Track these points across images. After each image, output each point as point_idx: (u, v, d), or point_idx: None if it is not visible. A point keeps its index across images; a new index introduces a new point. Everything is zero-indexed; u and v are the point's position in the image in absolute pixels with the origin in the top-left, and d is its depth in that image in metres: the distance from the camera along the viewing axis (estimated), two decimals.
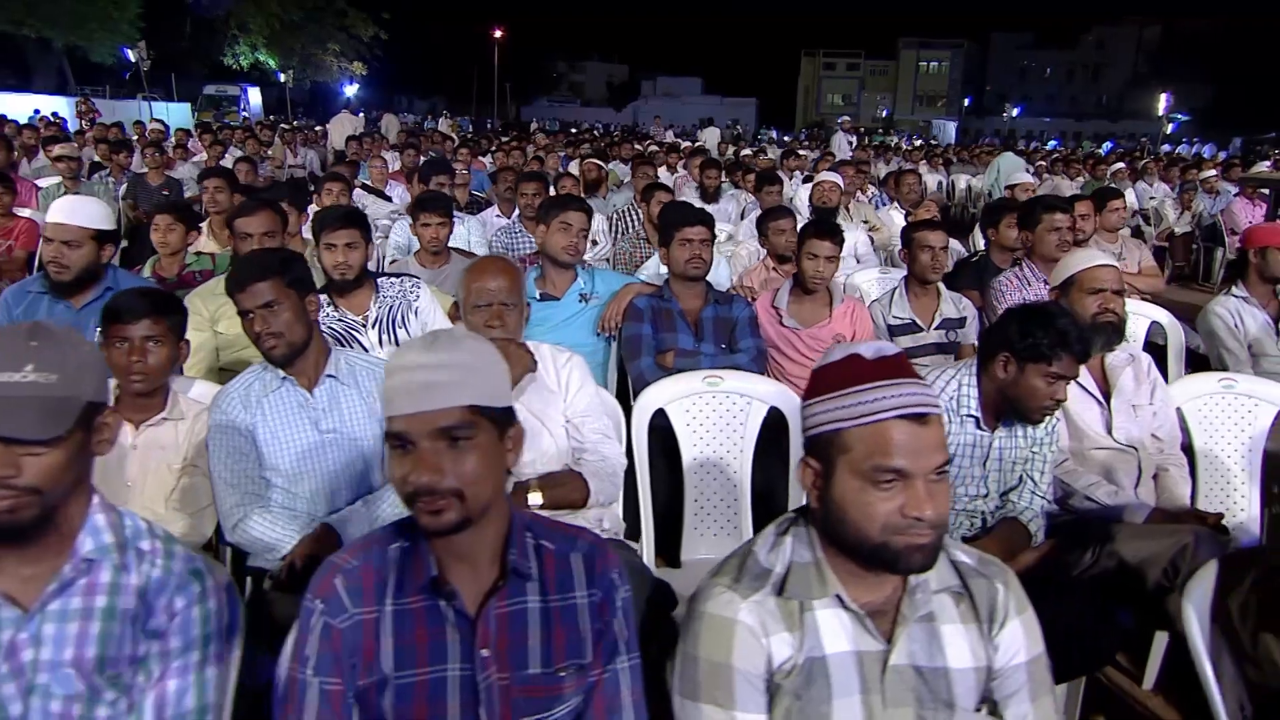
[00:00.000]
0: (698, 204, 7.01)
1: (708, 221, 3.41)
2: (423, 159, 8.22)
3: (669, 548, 2.68)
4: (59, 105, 23.04)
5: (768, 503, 2.66)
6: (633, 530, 2.58)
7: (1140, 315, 4.13)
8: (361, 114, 31.77)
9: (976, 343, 3.79)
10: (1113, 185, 11.36)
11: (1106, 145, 33.40)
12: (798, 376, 3.43)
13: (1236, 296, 3.85)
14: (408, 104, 56.75)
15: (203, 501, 2.25)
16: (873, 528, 1.22)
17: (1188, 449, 2.82)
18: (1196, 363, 4.11)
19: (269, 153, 11.49)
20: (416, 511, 1.22)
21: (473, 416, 1.21)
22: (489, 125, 37.28)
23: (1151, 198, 11.54)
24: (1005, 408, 2.28)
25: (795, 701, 1.26)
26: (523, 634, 1.29)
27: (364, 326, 3.14)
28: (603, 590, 1.33)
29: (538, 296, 3.42)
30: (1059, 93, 73.73)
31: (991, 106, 69.00)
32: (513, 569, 1.28)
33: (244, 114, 30.31)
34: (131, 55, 22.90)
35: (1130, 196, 11.48)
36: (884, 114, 66.69)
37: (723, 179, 7.65)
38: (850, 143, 17.30)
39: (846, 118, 22.54)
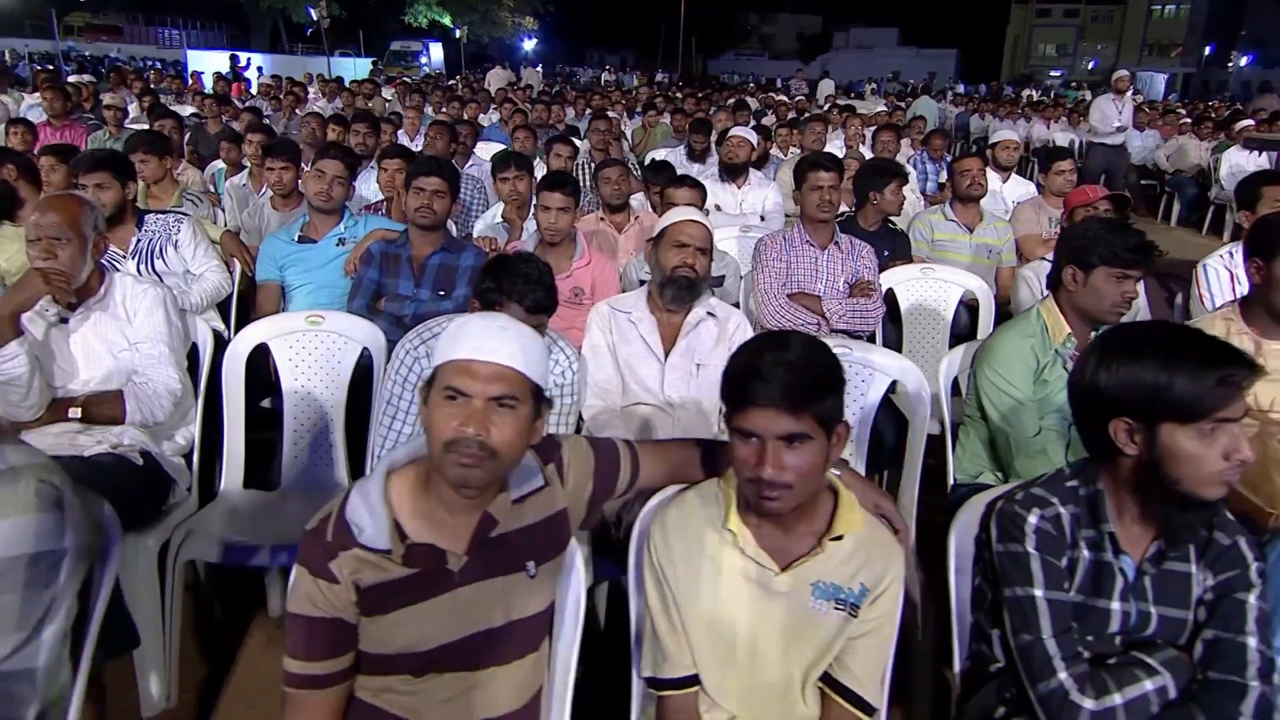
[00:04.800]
0: (682, 165, 7.03)
1: (444, 174, 3.53)
2: None
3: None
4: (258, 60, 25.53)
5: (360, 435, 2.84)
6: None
7: (953, 283, 3.89)
8: (539, 67, 33.08)
9: (740, 300, 3.74)
10: (1236, 146, 10.24)
11: None
12: None
13: (1049, 261, 3.55)
14: (598, 58, 57.85)
15: None
16: None
17: None
18: None
19: (369, 104, 12.32)
20: None
21: None
22: (666, 79, 37.41)
23: None
24: None
25: None
26: None
27: (125, 258, 3.54)
28: None
29: (295, 239, 3.71)
30: None
31: (1244, 54, 60.44)
32: None
33: (425, 68, 32.20)
34: (314, 14, 24.86)
35: (1265, 161, 10.17)
36: (1090, 66, 60.51)
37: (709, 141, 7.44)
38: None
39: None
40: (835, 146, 8.02)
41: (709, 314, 2.68)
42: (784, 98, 14.57)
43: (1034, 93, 29.71)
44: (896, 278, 3.86)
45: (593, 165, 5.72)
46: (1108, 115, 9.94)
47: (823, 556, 1.57)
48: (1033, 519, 1.57)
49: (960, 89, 37.86)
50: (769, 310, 3.53)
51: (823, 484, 1.57)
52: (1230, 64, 49.39)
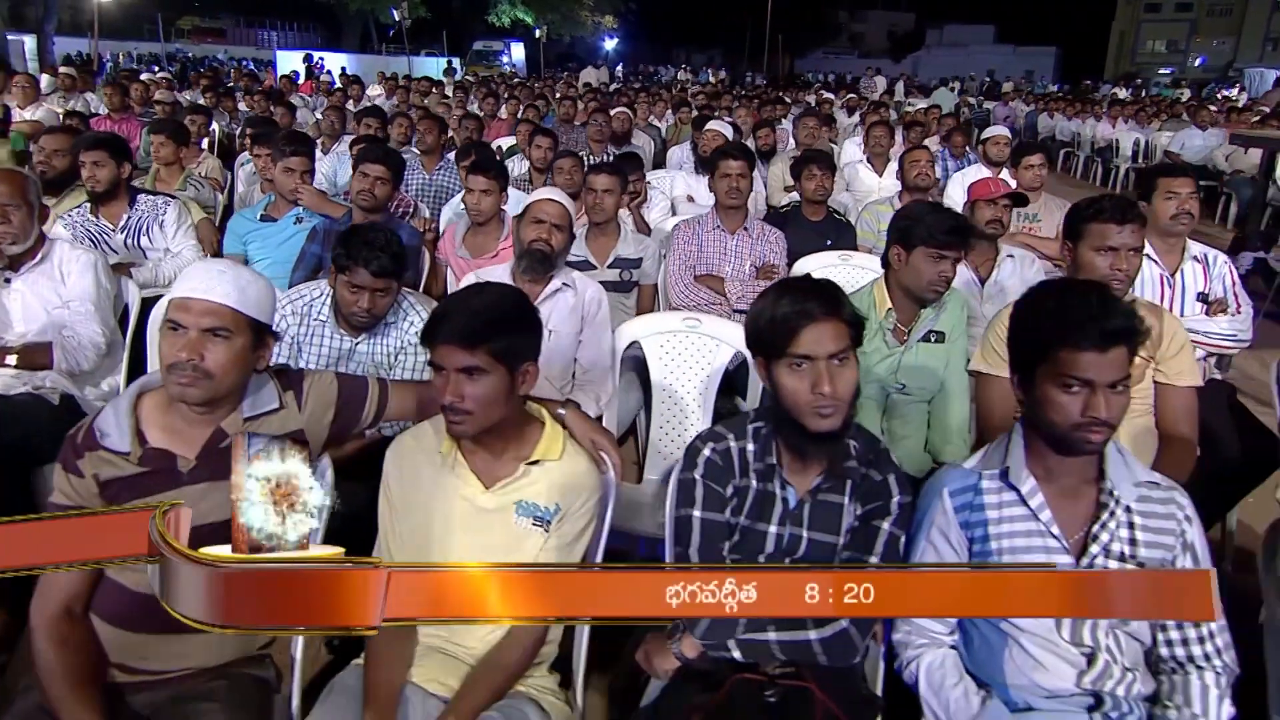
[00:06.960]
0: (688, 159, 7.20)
1: (388, 162, 3.84)
2: None
3: None
4: (342, 60, 26.64)
5: None
6: None
7: (869, 270, 4.01)
8: (619, 66, 33.52)
9: (656, 282, 3.95)
10: None
11: None
12: None
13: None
14: (683, 58, 58.15)
15: None
16: None
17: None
18: None
19: (424, 100, 12.86)
20: None
21: None
22: (749, 79, 37.38)
23: None
24: None
25: None
26: None
27: (114, 231, 3.96)
28: None
29: (258, 218, 4.09)
30: None
31: None
32: None
33: (507, 67, 33.02)
34: (397, 14, 25.84)
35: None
36: (1198, 63, 57.44)
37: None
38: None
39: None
40: (855, 143, 8.11)
41: (565, 285, 2.92)
42: (829, 95, 14.59)
43: (1119, 91, 28.64)
44: (813, 264, 4.01)
45: (590, 158, 5.99)
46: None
47: (525, 479, 1.80)
48: (706, 451, 1.77)
49: (1054, 88, 36.61)
50: (676, 289, 3.73)
51: (517, 414, 1.80)
52: None
